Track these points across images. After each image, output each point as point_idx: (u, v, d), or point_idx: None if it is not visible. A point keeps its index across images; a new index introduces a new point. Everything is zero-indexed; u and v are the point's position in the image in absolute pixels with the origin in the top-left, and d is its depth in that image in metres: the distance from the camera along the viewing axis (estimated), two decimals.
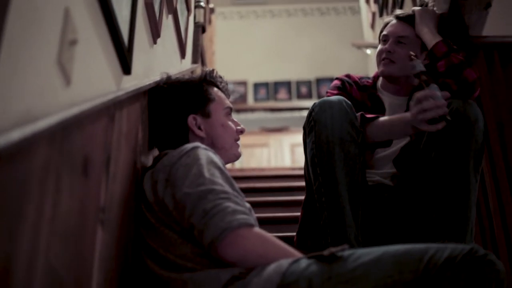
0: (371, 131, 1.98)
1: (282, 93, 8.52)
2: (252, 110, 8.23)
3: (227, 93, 1.93)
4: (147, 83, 1.70)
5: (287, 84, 8.58)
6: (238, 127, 1.86)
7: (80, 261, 1.12)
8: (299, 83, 8.51)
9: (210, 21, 5.17)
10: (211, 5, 5.19)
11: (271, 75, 8.63)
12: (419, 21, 2.19)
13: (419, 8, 2.23)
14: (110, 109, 1.32)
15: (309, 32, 8.83)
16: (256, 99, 8.51)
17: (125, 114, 1.48)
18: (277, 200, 3.42)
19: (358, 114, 1.99)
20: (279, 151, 6.76)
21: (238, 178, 4.46)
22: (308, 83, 8.67)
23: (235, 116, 1.94)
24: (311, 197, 1.97)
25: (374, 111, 2.18)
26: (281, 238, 1.88)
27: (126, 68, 1.54)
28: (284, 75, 8.60)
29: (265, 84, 8.61)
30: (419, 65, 1.87)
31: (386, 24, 2.29)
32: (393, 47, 2.18)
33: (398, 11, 2.30)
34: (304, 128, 1.99)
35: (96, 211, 1.22)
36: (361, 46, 6.02)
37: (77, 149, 1.09)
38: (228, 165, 5.96)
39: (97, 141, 1.23)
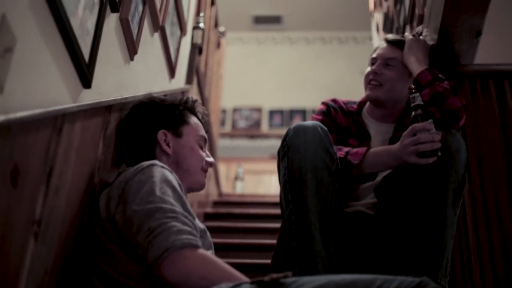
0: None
1: (297, 121, 8.46)
2: (266, 136, 8.19)
3: (205, 126, 1.91)
4: (111, 98, 1.68)
5: (303, 112, 8.52)
6: (208, 159, 1.83)
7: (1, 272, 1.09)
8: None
9: (219, 45, 5.19)
10: (221, 29, 5.20)
11: (286, 102, 8.60)
12: (407, 50, 2.14)
13: (410, 37, 2.18)
14: (56, 121, 1.30)
15: (327, 60, 8.79)
16: (270, 126, 8.48)
17: (78, 128, 1.45)
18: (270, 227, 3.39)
19: (343, 152, 1.95)
20: None
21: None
22: None
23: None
24: (285, 224, 1.93)
25: (359, 137, 2.13)
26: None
27: (85, 81, 1.52)
28: (300, 103, 8.55)
29: (280, 112, 8.58)
30: (418, 98, 1.86)
31: (376, 48, 2.26)
32: (380, 69, 2.15)
33: (389, 36, 2.25)
34: (278, 153, 1.94)
35: (28, 223, 1.20)
36: None
37: (3, 157, 1.06)
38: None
39: (35, 152, 1.21)
